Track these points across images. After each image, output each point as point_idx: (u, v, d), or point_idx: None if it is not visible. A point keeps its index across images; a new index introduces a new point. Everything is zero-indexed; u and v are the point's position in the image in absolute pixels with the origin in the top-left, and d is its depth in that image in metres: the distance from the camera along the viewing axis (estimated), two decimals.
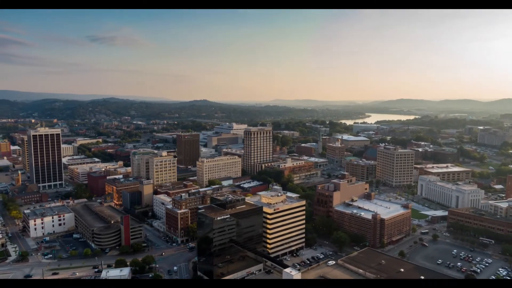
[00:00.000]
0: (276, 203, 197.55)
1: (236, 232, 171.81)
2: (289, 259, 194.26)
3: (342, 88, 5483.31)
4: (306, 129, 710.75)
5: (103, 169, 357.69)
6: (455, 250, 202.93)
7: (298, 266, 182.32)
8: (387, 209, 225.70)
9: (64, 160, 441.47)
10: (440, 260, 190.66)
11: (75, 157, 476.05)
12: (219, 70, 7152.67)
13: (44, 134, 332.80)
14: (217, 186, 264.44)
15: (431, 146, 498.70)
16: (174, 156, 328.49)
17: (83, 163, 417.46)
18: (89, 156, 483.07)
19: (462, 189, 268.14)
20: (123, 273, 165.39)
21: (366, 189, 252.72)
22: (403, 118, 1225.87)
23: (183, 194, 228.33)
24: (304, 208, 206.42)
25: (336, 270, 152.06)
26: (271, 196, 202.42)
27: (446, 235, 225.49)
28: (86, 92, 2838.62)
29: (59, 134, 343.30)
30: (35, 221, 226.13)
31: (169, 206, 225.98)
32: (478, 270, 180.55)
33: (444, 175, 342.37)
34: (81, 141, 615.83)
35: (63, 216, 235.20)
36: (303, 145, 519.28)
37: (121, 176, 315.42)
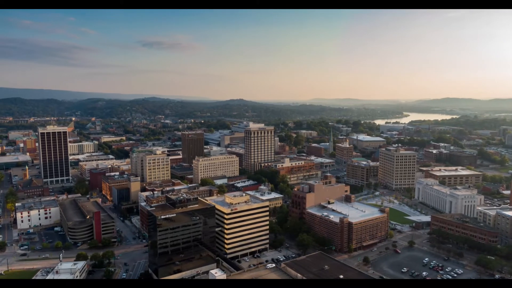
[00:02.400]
0: (238, 203, 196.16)
1: (185, 231, 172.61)
2: (248, 260, 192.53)
3: (386, 86, 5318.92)
4: (327, 128, 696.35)
5: (109, 166, 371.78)
6: (426, 259, 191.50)
7: (253, 267, 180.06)
8: (362, 212, 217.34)
9: (81, 156, 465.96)
10: (405, 269, 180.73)
11: (93, 154, 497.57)
12: (257, 70, 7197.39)
13: (52, 132, 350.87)
14: (193, 184, 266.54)
15: (451, 147, 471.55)
16: (168, 155, 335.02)
17: (97, 160, 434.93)
18: (107, 153, 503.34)
19: (456, 194, 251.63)
20: (76, 266, 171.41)
21: (346, 191, 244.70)
22: (443, 117, 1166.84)
23: (156, 192, 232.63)
24: (267, 209, 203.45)
25: (273, 273, 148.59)
26: (234, 196, 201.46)
27: (425, 242, 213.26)
28: (130, 92, 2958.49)
29: (66, 132, 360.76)
30: (21, 214, 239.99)
31: (143, 204, 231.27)
32: None
33: (450, 178, 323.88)
34: (105, 138, 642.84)
35: (49, 210, 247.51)
36: (313, 145, 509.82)
37: (117, 173, 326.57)
